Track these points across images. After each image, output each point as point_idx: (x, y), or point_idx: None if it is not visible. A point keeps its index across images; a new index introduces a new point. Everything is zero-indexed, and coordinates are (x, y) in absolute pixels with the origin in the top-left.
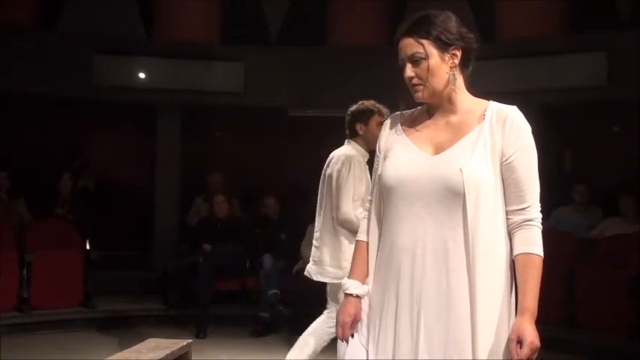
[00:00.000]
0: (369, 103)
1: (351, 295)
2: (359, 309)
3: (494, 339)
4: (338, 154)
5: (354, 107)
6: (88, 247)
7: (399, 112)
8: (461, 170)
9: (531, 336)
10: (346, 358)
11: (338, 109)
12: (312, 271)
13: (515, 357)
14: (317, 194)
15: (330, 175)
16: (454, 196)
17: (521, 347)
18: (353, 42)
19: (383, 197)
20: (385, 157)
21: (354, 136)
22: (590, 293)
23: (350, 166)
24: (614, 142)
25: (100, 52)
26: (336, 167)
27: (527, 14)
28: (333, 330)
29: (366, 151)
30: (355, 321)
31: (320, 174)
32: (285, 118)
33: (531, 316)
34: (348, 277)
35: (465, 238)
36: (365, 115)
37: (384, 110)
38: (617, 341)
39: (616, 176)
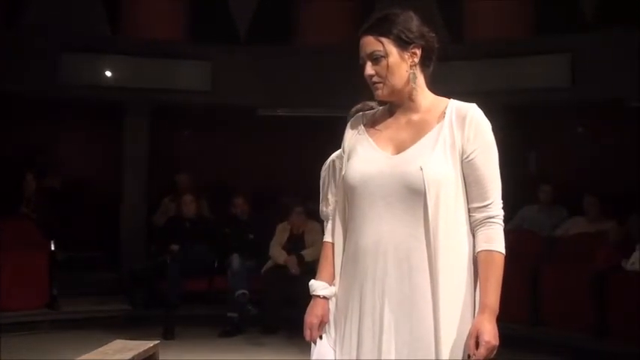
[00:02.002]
0: (373, 104)
1: (318, 296)
2: (326, 310)
3: (457, 337)
4: None
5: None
6: (53, 248)
7: (361, 113)
8: (421, 169)
9: (488, 335)
10: (313, 358)
11: (307, 108)
12: None
13: (473, 354)
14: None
15: None
16: (415, 195)
17: (478, 346)
18: (322, 41)
19: (347, 198)
20: (349, 158)
21: None
22: (555, 291)
23: None
24: (578, 143)
25: (65, 51)
26: None
27: (493, 16)
28: None
29: None
30: (323, 322)
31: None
32: (254, 118)
33: (491, 314)
34: (316, 279)
35: (426, 237)
36: None
37: None
38: (580, 339)
39: (580, 176)
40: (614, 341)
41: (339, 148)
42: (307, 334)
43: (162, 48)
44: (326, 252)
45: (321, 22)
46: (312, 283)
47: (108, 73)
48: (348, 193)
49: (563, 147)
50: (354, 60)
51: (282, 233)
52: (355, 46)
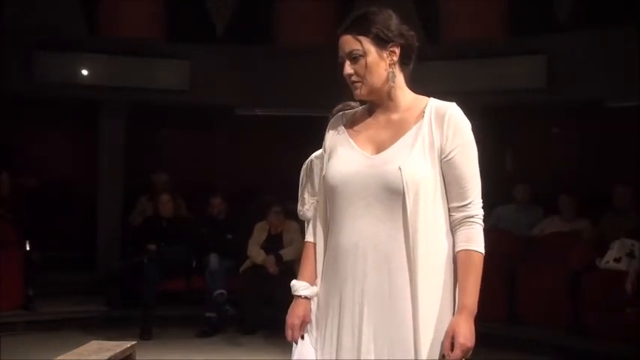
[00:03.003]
0: (354, 104)
1: (300, 296)
2: (308, 310)
3: (437, 337)
4: None
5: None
6: (28, 248)
7: (341, 112)
8: (400, 169)
9: (464, 337)
10: (295, 358)
11: (285, 108)
12: None
13: (447, 355)
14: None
15: None
16: (394, 195)
17: (453, 348)
18: (300, 40)
19: (328, 198)
20: (329, 158)
21: None
22: (531, 290)
23: None
24: (553, 143)
25: (41, 49)
26: None
27: (470, 17)
28: None
29: None
30: (304, 322)
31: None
32: (233, 117)
33: (469, 314)
34: (297, 279)
35: (405, 237)
36: None
37: None
38: (557, 337)
39: (555, 176)
40: (590, 339)
41: (320, 147)
42: (289, 334)
43: (140, 47)
44: (307, 252)
45: (300, 21)
46: (294, 283)
47: (84, 72)
48: (329, 193)
49: (539, 147)
50: (333, 59)
51: (260, 233)
52: (335, 46)
